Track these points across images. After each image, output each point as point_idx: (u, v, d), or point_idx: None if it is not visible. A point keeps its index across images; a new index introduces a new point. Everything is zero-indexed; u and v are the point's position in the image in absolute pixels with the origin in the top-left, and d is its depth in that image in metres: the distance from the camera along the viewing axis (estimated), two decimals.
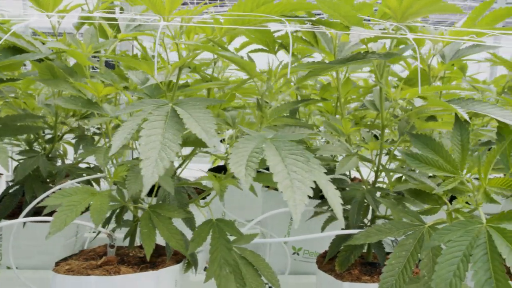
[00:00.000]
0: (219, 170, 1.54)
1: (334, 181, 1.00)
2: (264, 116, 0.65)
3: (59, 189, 0.66)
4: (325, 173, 0.54)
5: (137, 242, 0.82)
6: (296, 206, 0.43)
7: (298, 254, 1.11)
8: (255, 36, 0.90)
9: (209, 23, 0.71)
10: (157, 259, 0.77)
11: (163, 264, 0.75)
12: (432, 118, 0.99)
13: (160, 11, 0.64)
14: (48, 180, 1.06)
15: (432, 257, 0.59)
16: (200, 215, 0.93)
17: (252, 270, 0.74)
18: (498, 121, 0.59)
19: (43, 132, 1.14)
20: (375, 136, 0.99)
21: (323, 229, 0.92)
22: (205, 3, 0.66)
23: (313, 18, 0.65)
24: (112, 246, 0.76)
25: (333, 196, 0.49)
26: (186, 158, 0.99)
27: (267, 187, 1.18)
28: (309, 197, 0.45)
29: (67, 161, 1.15)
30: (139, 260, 0.78)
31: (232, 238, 0.70)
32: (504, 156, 0.58)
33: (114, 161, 0.75)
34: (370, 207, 0.82)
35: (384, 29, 0.70)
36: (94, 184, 1.04)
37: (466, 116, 0.56)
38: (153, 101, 0.61)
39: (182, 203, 0.77)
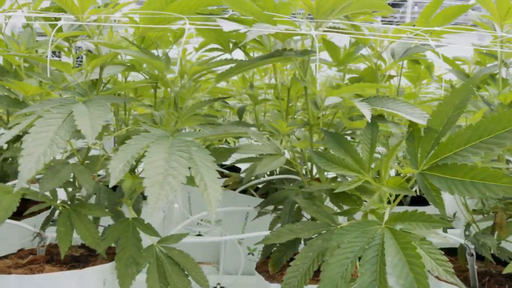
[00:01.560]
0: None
1: (280, 181, 0.98)
2: (179, 115, 0.64)
3: None
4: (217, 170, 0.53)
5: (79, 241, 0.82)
6: (157, 201, 0.43)
7: (253, 254, 1.10)
8: (209, 36, 0.89)
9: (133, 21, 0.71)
10: (94, 258, 0.77)
11: (94, 263, 0.75)
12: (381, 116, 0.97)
13: (73, 11, 0.64)
14: None
15: None
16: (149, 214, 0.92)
17: (178, 269, 0.74)
18: (409, 120, 0.57)
19: None
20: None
21: (270, 229, 0.91)
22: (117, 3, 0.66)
23: (225, 16, 0.64)
24: (42, 246, 0.77)
25: (211, 194, 0.48)
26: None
27: (225, 186, 1.17)
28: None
29: None
30: (71, 259, 0.78)
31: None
32: (413, 154, 0.56)
33: None
34: None
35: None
36: None
37: (368, 114, 0.54)
38: (61, 100, 0.61)
39: (112, 201, 0.77)
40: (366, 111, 0.53)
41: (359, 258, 0.51)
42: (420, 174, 0.55)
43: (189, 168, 0.51)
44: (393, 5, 3.87)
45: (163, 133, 0.57)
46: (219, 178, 0.50)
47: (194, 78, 0.65)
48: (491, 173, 0.46)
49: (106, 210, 0.72)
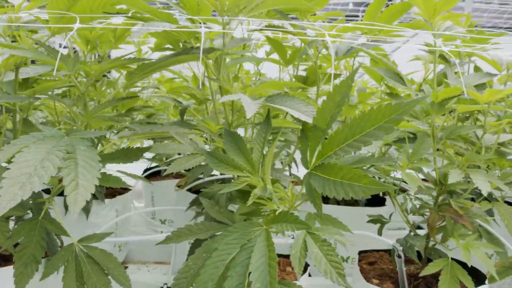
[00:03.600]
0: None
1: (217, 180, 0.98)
2: (86, 115, 0.64)
3: None
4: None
5: None
6: (9, 201, 0.43)
7: None
8: (159, 36, 0.89)
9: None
10: None
11: None
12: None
13: None
14: None
15: None
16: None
17: (98, 269, 0.74)
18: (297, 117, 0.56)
19: None
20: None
21: None
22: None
23: (129, 14, 0.63)
24: None
25: (80, 193, 0.48)
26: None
27: (179, 186, 1.17)
28: None
29: None
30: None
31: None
32: (305, 154, 0.55)
33: None
34: None
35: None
36: None
37: (249, 112, 0.53)
38: None
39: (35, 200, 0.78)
40: (248, 109, 0.52)
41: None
42: (308, 173, 0.54)
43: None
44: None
45: (57, 132, 0.57)
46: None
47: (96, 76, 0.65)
48: (355, 173, 0.45)
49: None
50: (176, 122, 1.00)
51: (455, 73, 0.97)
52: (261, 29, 0.93)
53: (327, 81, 0.98)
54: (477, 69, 1.05)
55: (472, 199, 1.16)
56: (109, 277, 0.74)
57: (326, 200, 1.21)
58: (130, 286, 0.76)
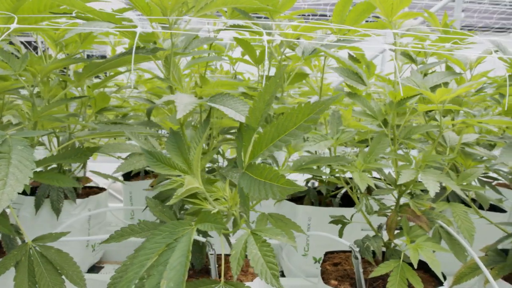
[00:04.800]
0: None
1: None
2: (33, 115, 0.65)
3: None
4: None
5: None
6: None
7: None
8: (131, 36, 0.89)
9: None
10: None
11: None
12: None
13: None
14: None
15: None
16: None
17: (52, 268, 0.74)
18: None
19: None
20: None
21: None
22: None
23: (73, 14, 0.64)
24: None
25: (7, 192, 0.48)
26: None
27: (152, 186, 1.17)
28: None
29: None
30: None
31: None
32: (239, 154, 0.55)
33: None
34: None
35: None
36: None
37: (180, 112, 0.52)
38: None
39: None
40: (179, 109, 0.52)
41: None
42: (242, 173, 0.54)
43: None
44: None
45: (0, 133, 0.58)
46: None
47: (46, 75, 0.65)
48: (275, 173, 0.45)
49: None
50: (143, 122, 1.00)
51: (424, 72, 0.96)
52: (223, 29, 0.92)
53: (292, 80, 0.98)
54: (448, 68, 1.04)
55: (447, 200, 1.15)
56: (63, 277, 0.75)
57: (301, 201, 1.20)
58: (85, 285, 0.76)
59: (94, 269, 1.25)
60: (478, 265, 0.88)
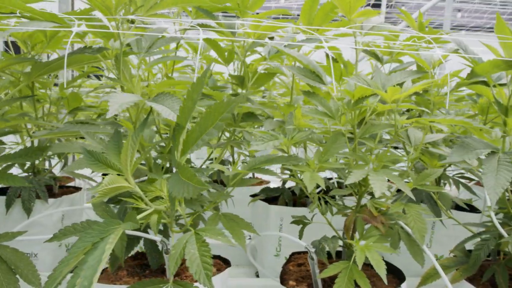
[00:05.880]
0: None
1: None
2: None
3: None
4: None
5: None
6: None
7: None
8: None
9: None
10: None
11: None
12: (252, 114, 0.95)
13: None
14: None
15: None
16: None
17: (6, 267, 0.74)
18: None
19: None
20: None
21: None
22: None
23: (27, 14, 0.64)
24: None
25: None
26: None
27: None
28: None
29: None
30: None
31: None
32: (173, 153, 0.54)
33: None
34: None
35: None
36: None
37: (112, 111, 0.52)
38: None
39: None
40: (111, 108, 0.51)
41: None
42: (174, 173, 0.53)
43: None
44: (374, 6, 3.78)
45: None
46: None
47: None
48: (190, 173, 0.44)
49: None
50: (111, 122, 1.00)
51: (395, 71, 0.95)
52: (188, 28, 0.92)
53: (258, 80, 0.98)
54: (419, 67, 1.02)
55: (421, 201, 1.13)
56: (18, 276, 0.75)
57: (275, 201, 1.20)
58: (40, 285, 0.76)
59: None
60: (446, 266, 0.87)
